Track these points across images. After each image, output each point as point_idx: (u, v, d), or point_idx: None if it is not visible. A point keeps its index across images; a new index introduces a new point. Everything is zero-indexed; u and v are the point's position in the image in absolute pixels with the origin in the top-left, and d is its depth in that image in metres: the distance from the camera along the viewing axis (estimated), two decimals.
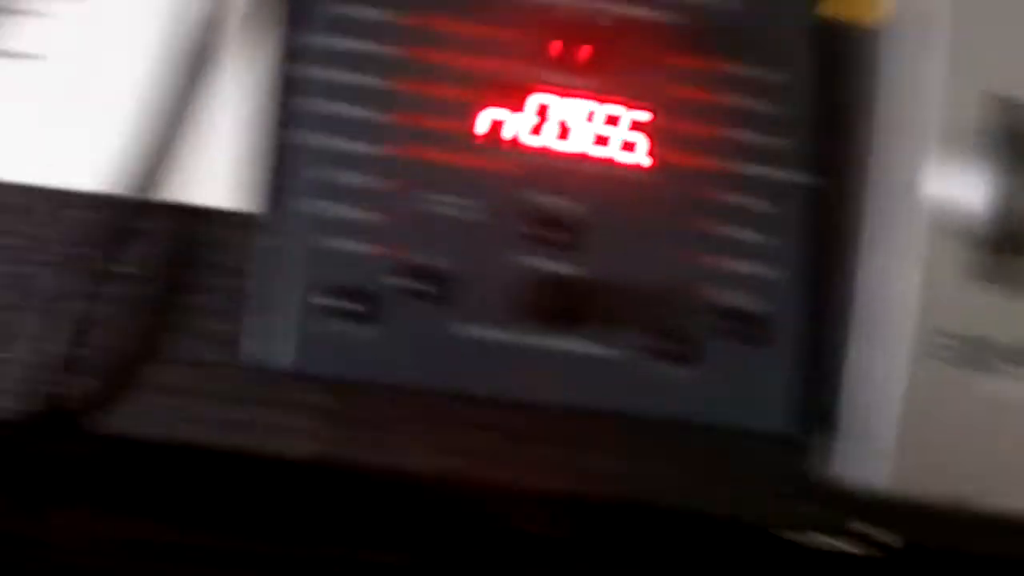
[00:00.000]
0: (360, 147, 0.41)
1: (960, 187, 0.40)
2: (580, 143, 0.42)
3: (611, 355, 0.41)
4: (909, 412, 0.40)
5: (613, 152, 0.42)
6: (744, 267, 0.42)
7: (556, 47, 0.41)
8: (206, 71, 0.42)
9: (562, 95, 0.41)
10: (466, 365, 0.41)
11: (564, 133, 0.42)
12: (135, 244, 0.43)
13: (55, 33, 0.43)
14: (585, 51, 0.42)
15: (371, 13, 0.41)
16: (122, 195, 0.42)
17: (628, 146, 0.42)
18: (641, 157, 0.42)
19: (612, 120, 0.42)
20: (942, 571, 0.52)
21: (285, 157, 0.41)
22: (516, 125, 0.41)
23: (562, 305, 0.41)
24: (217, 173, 0.43)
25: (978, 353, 0.40)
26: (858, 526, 0.44)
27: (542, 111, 0.41)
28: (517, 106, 0.41)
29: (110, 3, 0.43)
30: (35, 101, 0.43)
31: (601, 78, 0.42)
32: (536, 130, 0.42)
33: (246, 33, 0.42)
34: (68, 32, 0.43)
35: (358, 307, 0.41)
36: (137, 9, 0.42)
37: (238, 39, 0.42)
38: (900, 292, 0.40)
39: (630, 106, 0.42)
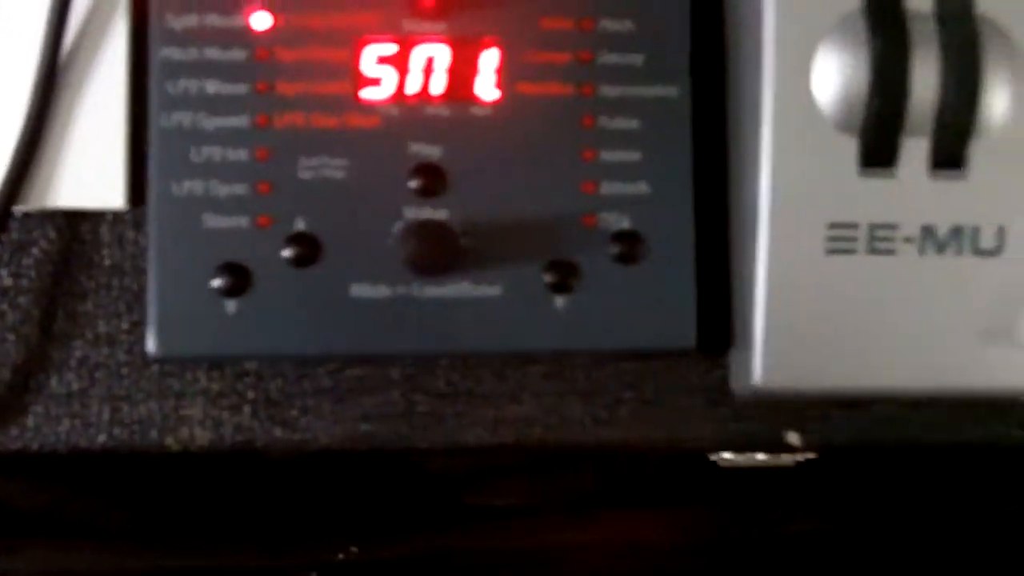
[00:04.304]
0: (233, 121, 0.40)
1: (844, 74, 0.39)
2: (441, 87, 0.41)
3: (496, 294, 0.40)
4: (812, 308, 0.39)
5: (474, 91, 0.41)
6: (617, 188, 0.41)
7: None
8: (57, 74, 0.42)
9: (419, 42, 0.41)
10: (355, 326, 0.40)
11: (426, 80, 0.41)
12: (11, 257, 0.43)
13: None
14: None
15: None
16: None
17: (488, 83, 0.41)
18: (502, 92, 0.41)
19: (468, 59, 0.41)
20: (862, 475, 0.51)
21: (159, 142, 0.41)
22: (378, 79, 0.41)
23: (442, 251, 0.40)
24: (83, 174, 0.42)
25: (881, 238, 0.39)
26: (792, 437, 0.43)
27: (400, 60, 0.41)
28: (378, 60, 0.41)
29: None
30: None
31: (452, 20, 0.41)
32: (397, 80, 0.41)
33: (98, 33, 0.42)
34: None
35: (246, 283, 0.40)
36: None
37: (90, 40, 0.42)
38: (797, 190, 0.39)
39: (483, 43, 0.41)
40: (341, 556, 0.63)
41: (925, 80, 0.39)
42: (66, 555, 0.57)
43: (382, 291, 0.40)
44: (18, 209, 0.42)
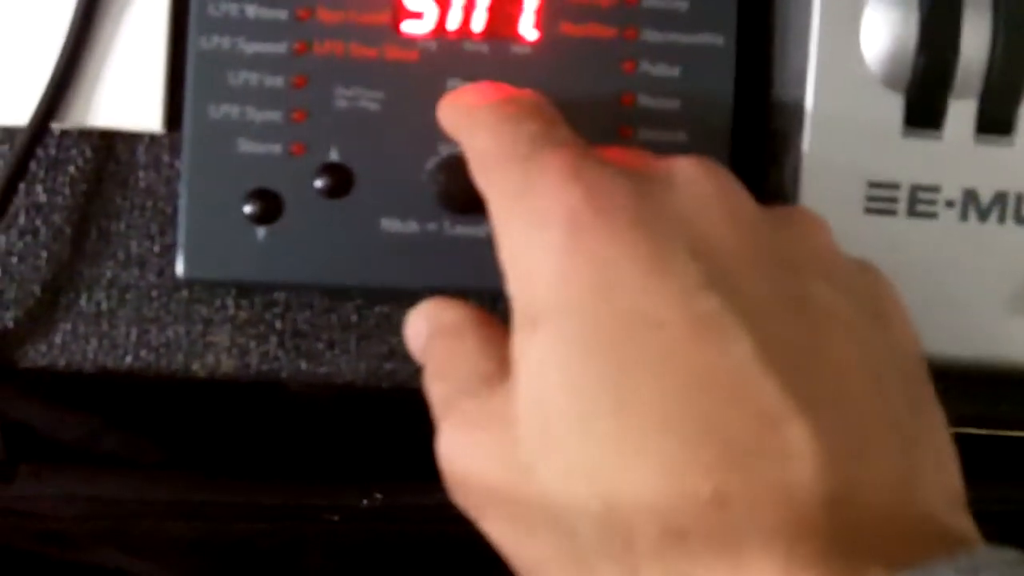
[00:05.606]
0: (272, 47, 0.40)
1: (893, 30, 0.38)
2: (482, 24, 0.41)
3: None
4: None
5: (515, 30, 0.41)
6: (654, 135, 0.40)
7: None
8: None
9: None
10: (384, 260, 0.40)
11: (467, 16, 0.41)
12: (47, 174, 0.43)
13: None
14: None
15: None
16: (30, 125, 0.42)
17: (529, 22, 0.40)
18: (542, 32, 0.40)
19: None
20: None
21: (197, 65, 0.40)
22: (420, 12, 0.41)
23: (472, 188, 0.39)
24: (122, 96, 0.42)
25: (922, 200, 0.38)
26: None
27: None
28: None
29: None
30: None
31: None
32: (438, 15, 0.41)
33: None
34: None
35: (277, 211, 0.40)
36: None
37: None
38: (839, 145, 0.38)
39: None
40: (365, 502, 0.63)
41: (975, 39, 0.38)
42: (94, 483, 0.58)
43: (411, 226, 0.40)
44: (55, 126, 0.42)
